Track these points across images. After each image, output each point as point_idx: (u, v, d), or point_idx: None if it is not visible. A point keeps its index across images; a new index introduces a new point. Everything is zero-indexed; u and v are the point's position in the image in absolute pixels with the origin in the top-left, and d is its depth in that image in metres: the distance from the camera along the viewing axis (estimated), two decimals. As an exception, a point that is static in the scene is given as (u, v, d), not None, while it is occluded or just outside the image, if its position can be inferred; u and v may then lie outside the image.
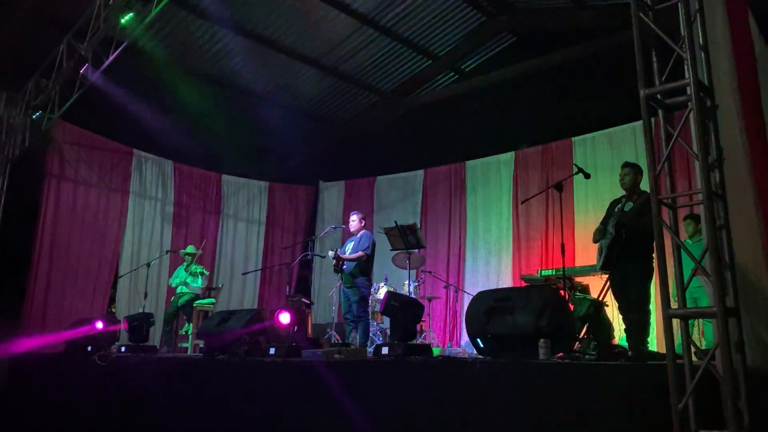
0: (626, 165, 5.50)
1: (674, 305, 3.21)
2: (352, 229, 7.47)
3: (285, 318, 6.10)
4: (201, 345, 7.11)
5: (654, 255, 4.88)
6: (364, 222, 7.53)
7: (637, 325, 5.01)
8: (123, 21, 7.27)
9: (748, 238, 3.46)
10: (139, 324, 7.35)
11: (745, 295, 3.32)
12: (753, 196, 3.52)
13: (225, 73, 10.18)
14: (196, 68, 9.89)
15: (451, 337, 9.79)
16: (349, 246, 7.34)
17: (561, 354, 4.39)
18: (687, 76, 3.23)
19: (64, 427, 6.59)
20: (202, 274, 9.05)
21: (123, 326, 7.42)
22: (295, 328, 6.09)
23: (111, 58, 7.80)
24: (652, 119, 3.41)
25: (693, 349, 3.13)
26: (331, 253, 7.21)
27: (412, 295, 8.11)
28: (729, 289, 3.13)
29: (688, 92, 3.22)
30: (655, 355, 4.70)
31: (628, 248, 5.04)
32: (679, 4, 3.39)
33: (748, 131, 3.63)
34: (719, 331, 2.92)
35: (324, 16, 9.34)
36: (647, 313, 5.08)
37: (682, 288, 3.25)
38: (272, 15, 9.26)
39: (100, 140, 9.76)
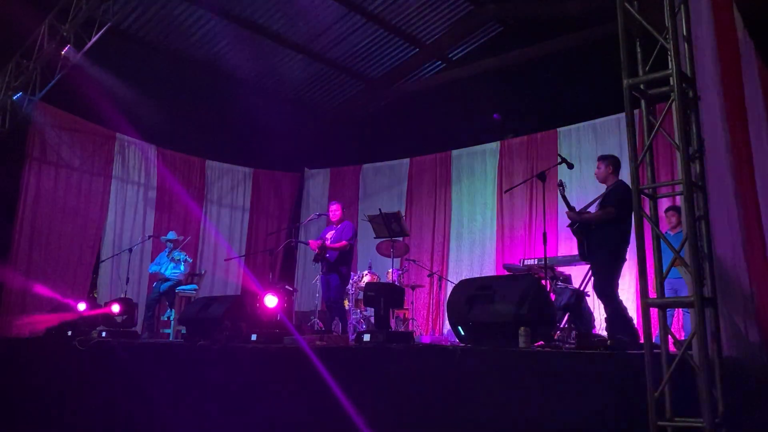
0: (599, 158, 5.65)
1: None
2: (333, 219, 7.48)
3: (271, 301, 6.02)
4: (183, 331, 7.09)
5: (621, 245, 5.01)
6: (345, 212, 7.56)
7: (614, 315, 5.07)
8: None
9: (728, 229, 3.50)
10: (129, 309, 7.36)
11: (723, 285, 3.36)
12: (733, 187, 3.55)
13: (210, 57, 10.07)
14: (180, 51, 9.77)
15: (434, 326, 9.83)
16: (330, 235, 7.34)
17: (541, 342, 4.42)
18: (670, 66, 3.24)
19: (43, 412, 6.54)
20: (185, 261, 8.98)
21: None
22: (277, 316, 6.06)
23: (93, 39, 7.68)
24: (636, 110, 3.43)
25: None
26: (312, 243, 7.22)
27: (396, 283, 8.13)
28: (707, 279, 3.16)
29: (671, 83, 3.23)
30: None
31: (595, 239, 5.16)
32: (664, -6, 3.39)
33: (730, 123, 3.66)
34: (696, 321, 2.95)
35: (311, 1, 9.25)
36: (618, 302, 5.15)
37: (660, 278, 3.28)
38: (259, -1, 9.18)
39: (82, 123, 9.60)
